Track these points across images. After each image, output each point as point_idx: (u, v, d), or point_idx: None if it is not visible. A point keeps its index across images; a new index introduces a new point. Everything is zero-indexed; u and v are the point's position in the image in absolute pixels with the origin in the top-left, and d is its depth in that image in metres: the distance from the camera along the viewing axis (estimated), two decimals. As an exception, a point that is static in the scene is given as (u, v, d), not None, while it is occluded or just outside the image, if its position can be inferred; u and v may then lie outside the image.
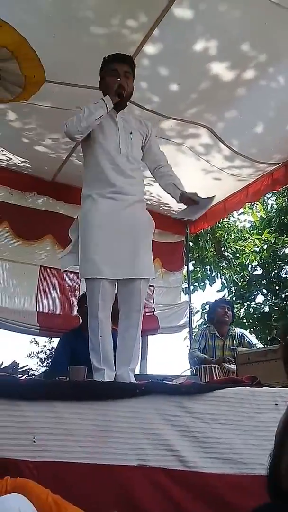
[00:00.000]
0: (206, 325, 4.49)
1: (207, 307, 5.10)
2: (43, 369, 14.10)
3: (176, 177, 2.70)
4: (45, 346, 17.14)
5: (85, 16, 2.59)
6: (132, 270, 2.43)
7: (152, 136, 2.74)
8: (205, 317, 6.33)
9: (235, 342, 4.00)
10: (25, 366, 2.45)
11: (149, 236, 2.60)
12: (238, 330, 4.23)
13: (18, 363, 2.44)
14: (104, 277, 2.38)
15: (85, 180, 2.58)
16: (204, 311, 7.35)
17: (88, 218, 2.46)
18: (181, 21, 2.61)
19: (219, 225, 7.26)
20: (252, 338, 4.59)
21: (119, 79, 2.50)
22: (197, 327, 6.90)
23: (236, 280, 8.05)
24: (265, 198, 7.77)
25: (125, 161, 2.54)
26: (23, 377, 2.20)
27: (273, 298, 8.13)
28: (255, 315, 8.07)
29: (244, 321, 8.10)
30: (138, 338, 2.50)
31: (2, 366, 2.41)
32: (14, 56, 2.77)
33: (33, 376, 2.73)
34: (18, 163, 4.11)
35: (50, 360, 15.37)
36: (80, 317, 3.90)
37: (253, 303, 8.31)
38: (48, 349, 16.64)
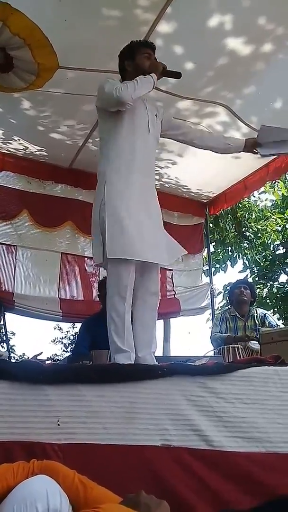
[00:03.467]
0: (227, 307, 4.48)
1: (228, 288, 5.07)
2: (68, 354, 14.34)
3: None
4: (69, 331, 17.40)
5: (95, -2, 2.55)
6: (166, 254, 2.45)
7: (166, 113, 2.77)
8: (227, 299, 6.33)
9: (257, 322, 3.97)
10: (40, 353, 2.48)
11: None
12: (260, 311, 4.20)
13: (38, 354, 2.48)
14: (141, 259, 2.34)
15: (110, 154, 2.48)
16: (226, 292, 7.33)
17: (121, 197, 2.38)
18: (194, -4, 2.56)
19: (240, 205, 7.17)
20: (274, 318, 4.55)
21: (160, 62, 2.55)
22: (219, 308, 6.89)
23: (258, 260, 7.99)
24: (287, 176, 7.63)
25: (153, 140, 2.59)
26: (48, 362, 2.24)
27: (297, 277, 8.06)
28: (278, 295, 8.01)
29: (268, 301, 8.05)
30: (155, 321, 2.52)
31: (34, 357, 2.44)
32: (26, 44, 2.75)
33: (57, 361, 2.76)
34: (35, 151, 4.13)
35: (73, 346, 15.62)
36: (101, 303, 3.93)
37: (276, 282, 8.25)
38: (72, 335, 16.88)
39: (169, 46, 2.89)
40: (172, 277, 4.86)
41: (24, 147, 4.06)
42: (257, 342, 3.47)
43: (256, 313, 4.08)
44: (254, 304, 4.29)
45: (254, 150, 2.78)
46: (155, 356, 2.49)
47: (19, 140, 3.95)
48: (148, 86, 2.46)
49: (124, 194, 2.39)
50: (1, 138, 3.93)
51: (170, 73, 2.60)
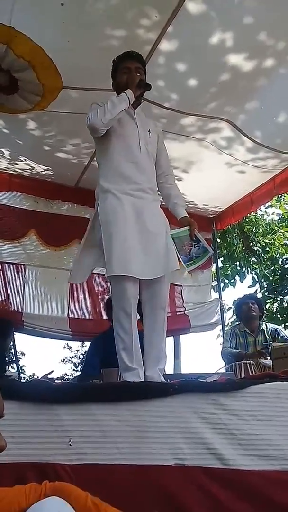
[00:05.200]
0: (237, 323, 4.44)
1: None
2: (77, 373, 14.25)
3: (181, 197, 2.79)
4: (78, 350, 17.34)
5: (98, 19, 2.59)
6: (161, 267, 2.42)
7: (161, 140, 2.76)
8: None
9: (267, 337, 3.92)
10: (51, 372, 2.47)
11: (168, 232, 2.59)
12: (271, 326, 4.15)
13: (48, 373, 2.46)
14: (136, 276, 2.34)
15: (102, 175, 2.55)
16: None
17: (114, 215, 2.41)
18: (195, 15, 2.58)
19: (246, 219, 7.16)
20: (286, 333, 4.50)
21: (138, 74, 2.53)
22: (230, 324, 6.83)
23: (267, 274, 7.94)
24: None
25: (145, 158, 2.56)
26: (58, 381, 2.22)
27: (307, 291, 7.99)
28: (288, 309, 7.93)
29: (278, 315, 7.98)
30: (165, 337, 2.49)
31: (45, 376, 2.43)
32: (31, 66, 2.80)
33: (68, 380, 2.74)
34: (41, 171, 4.17)
35: (83, 365, 15.54)
36: (110, 320, 3.91)
37: (286, 297, 8.16)
38: (82, 354, 16.82)
39: (171, 64, 2.93)
40: (181, 292, 4.83)
41: (30, 167, 4.10)
42: (269, 358, 3.42)
43: (267, 328, 4.03)
44: (263, 318, 4.24)
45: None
46: (165, 374, 2.45)
47: (25, 160, 3.99)
48: (122, 105, 2.43)
49: (118, 213, 2.41)
50: (8, 159, 3.97)
51: (144, 85, 2.56)
